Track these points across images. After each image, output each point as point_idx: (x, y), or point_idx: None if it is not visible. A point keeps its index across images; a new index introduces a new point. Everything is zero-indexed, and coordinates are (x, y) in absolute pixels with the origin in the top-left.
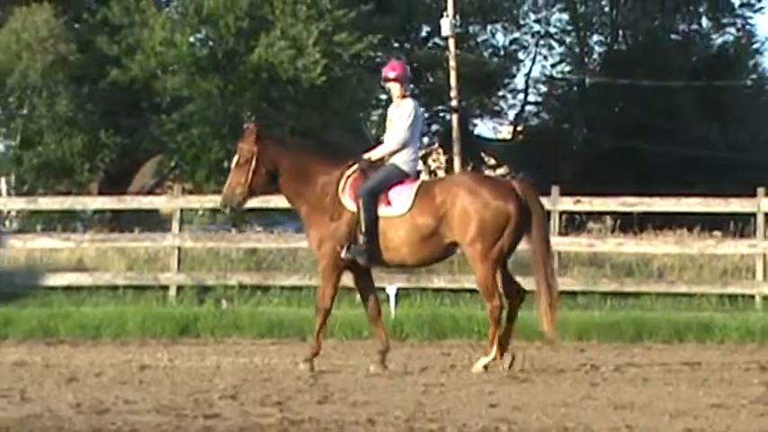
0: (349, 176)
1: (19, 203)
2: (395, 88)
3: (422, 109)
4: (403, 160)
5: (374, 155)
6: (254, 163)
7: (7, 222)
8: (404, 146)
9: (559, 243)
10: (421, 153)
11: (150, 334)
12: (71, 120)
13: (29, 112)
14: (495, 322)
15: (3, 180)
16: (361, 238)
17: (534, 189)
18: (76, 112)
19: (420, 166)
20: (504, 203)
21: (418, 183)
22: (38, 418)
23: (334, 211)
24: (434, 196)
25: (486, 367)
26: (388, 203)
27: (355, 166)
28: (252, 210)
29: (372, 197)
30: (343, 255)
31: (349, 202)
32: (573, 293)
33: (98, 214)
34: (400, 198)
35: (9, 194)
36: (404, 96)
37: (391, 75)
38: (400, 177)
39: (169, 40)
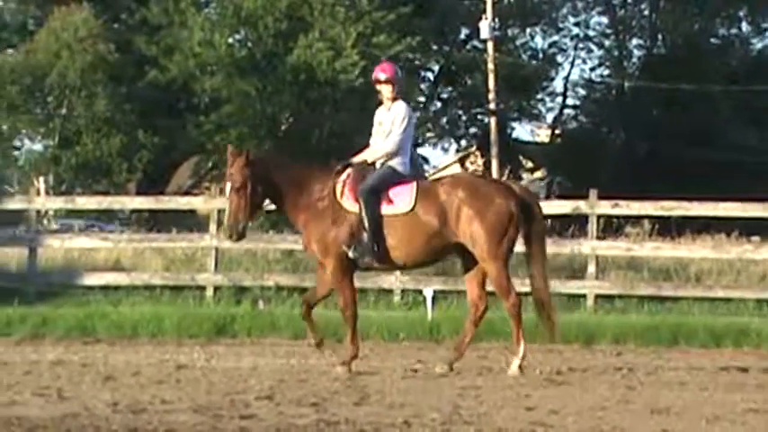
0: (345, 179)
1: (57, 203)
2: (386, 90)
3: (414, 113)
4: (398, 163)
5: (369, 157)
6: (249, 186)
7: (46, 221)
8: (398, 149)
9: (597, 247)
10: (458, 155)
11: (187, 334)
12: (109, 120)
13: (67, 112)
14: (516, 319)
15: (41, 179)
16: (365, 237)
17: (532, 192)
18: (114, 112)
19: (457, 168)
20: (506, 201)
21: (415, 183)
22: (75, 417)
23: (334, 215)
24: (437, 196)
25: (521, 368)
26: (390, 202)
27: (349, 169)
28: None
29: (373, 196)
30: (351, 254)
31: (349, 204)
32: (610, 297)
33: (135, 214)
34: (401, 197)
35: (47, 194)
36: (395, 99)
37: (382, 77)
38: (397, 179)
39: (208, 40)
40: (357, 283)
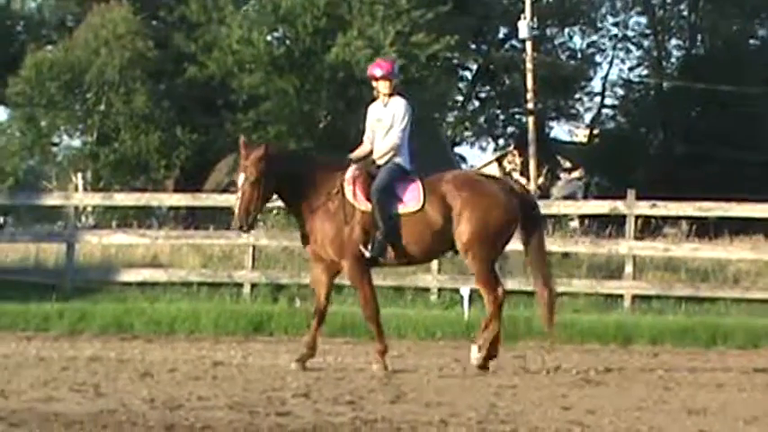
0: (355, 178)
1: (95, 199)
2: (383, 86)
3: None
4: (402, 159)
5: (377, 155)
6: (264, 180)
7: (83, 218)
8: (400, 146)
9: (635, 247)
10: (496, 155)
11: (224, 331)
12: (147, 116)
13: (106, 109)
14: (495, 313)
15: (79, 176)
16: (378, 236)
17: (529, 190)
18: (153, 109)
19: (495, 168)
20: (510, 202)
21: (419, 181)
22: (112, 413)
23: (347, 215)
24: (444, 194)
25: (482, 364)
26: (401, 201)
27: (354, 168)
28: None
29: (386, 194)
30: (367, 254)
31: (362, 204)
32: (647, 298)
33: (173, 211)
34: (410, 195)
35: (85, 190)
36: (391, 95)
37: (378, 73)
38: (404, 175)
39: (246, 38)
40: (393, 282)
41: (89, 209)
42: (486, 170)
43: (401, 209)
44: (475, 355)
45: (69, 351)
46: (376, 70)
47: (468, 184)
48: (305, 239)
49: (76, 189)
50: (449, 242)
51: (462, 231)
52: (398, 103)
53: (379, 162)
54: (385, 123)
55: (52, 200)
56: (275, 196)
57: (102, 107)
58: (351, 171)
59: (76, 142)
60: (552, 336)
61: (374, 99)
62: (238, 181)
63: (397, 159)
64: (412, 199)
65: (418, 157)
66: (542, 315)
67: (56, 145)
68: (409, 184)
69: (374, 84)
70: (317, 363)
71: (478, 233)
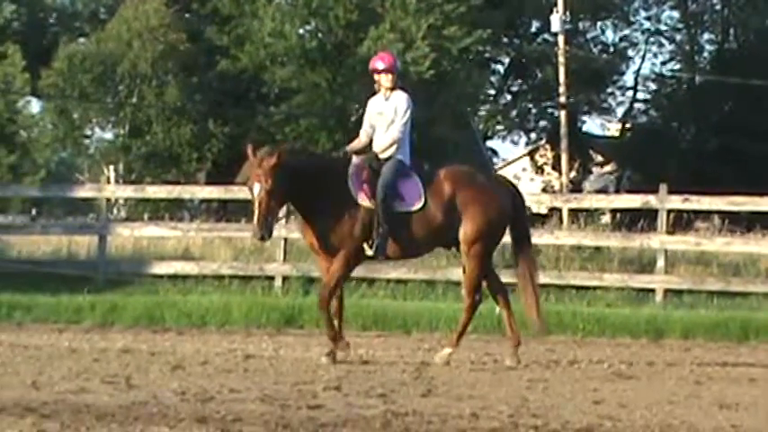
0: (357, 174)
1: (127, 191)
2: (385, 80)
3: (412, 104)
4: (403, 154)
5: (379, 149)
6: (279, 188)
7: (115, 210)
8: (402, 140)
9: (666, 241)
10: (528, 149)
11: (255, 324)
12: (180, 109)
13: (138, 101)
14: (469, 316)
15: (111, 168)
16: (381, 234)
17: (514, 183)
18: (185, 102)
19: (527, 161)
20: (507, 201)
21: (419, 178)
22: (143, 405)
23: (351, 211)
24: (445, 192)
25: (448, 362)
26: (402, 199)
27: (356, 163)
28: None
29: (390, 193)
30: (369, 252)
31: (364, 201)
32: (679, 292)
33: (205, 204)
34: (413, 193)
35: (117, 182)
36: (393, 89)
37: (380, 66)
38: (406, 171)
39: (278, 31)
40: (425, 276)
41: (121, 201)
42: (518, 164)
43: (404, 207)
44: (445, 354)
45: (101, 343)
46: (378, 63)
47: (467, 181)
48: (308, 235)
49: (108, 181)
50: (447, 238)
51: (468, 229)
52: (400, 98)
53: (382, 156)
54: (386, 117)
55: (84, 192)
56: None
57: (135, 99)
58: (353, 166)
59: (108, 134)
60: (540, 327)
61: (374, 93)
62: (253, 190)
63: (399, 155)
64: (414, 197)
65: (451, 152)
66: (527, 306)
67: (88, 137)
68: (410, 182)
69: (376, 77)
70: (350, 356)
71: (482, 230)
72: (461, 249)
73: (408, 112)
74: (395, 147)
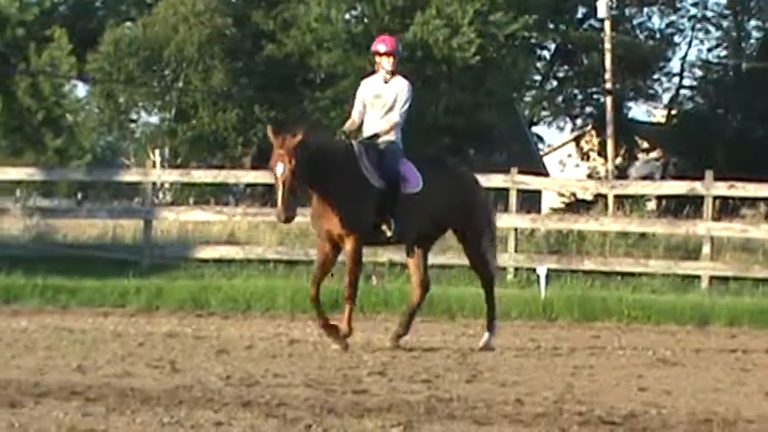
0: (366, 154)
1: (172, 176)
2: (386, 62)
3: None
4: (399, 138)
5: (382, 131)
6: (303, 168)
7: (160, 194)
8: (401, 126)
9: (712, 228)
10: (573, 135)
11: (300, 308)
12: (225, 94)
13: (184, 85)
14: (492, 294)
15: (157, 152)
16: (397, 214)
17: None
18: (231, 86)
19: (572, 147)
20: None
21: (411, 162)
22: (188, 389)
23: (364, 193)
24: (440, 178)
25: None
26: (407, 181)
27: (359, 144)
28: None
29: (399, 175)
30: (389, 233)
31: (375, 180)
32: (725, 279)
33: (250, 188)
34: (412, 176)
35: (163, 167)
36: (394, 72)
37: (382, 48)
38: (403, 155)
39: (325, 16)
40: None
41: (166, 185)
42: (564, 150)
43: (409, 189)
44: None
45: (146, 327)
46: (380, 46)
47: (458, 170)
48: (316, 219)
49: (154, 165)
50: (437, 223)
51: (475, 217)
52: (402, 83)
53: (385, 138)
54: (385, 100)
55: (130, 176)
56: None
57: (181, 84)
58: (358, 147)
59: (154, 119)
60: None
61: (371, 73)
62: (277, 170)
63: (396, 139)
64: (414, 179)
65: (497, 138)
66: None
67: (134, 121)
68: (408, 165)
69: (377, 59)
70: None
71: (485, 218)
72: (468, 236)
73: (409, 102)
74: (394, 131)
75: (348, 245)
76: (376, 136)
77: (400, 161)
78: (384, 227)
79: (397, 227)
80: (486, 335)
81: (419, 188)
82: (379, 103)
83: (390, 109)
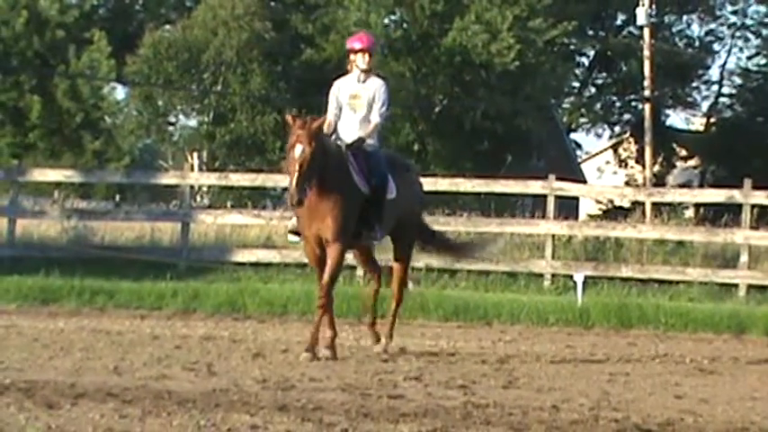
0: (354, 158)
1: (210, 179)
2: (361, 60)
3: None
4: (377, 140)
5: (365, 134)
6: (319, 153)
7: (198, 198)
8: (380, 128)
9: (750, 236)
10: (612, 142)
11: (336, 313)
12: (264, 97)
13: (222, 89)
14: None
15: (195, 155)
16: (380, 219)
17: None
18: (269, 90)
19: (610, 155)
20: None
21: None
22: (224, 392)
23: (353, 197)
24: (405, 181)
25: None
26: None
27: (344, 148)
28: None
29: (387, 182)
30: (378, 240)
31: (362, 185)
32: (763, 287)
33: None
34: (389, 182)
35: (201, 170)
36: (369, 71)
37: (357, 46)
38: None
39: (364, 20)
40: (507, 267)
41: (204, 188)
42: (602, 157)
43: (389, 196)
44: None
45: (182, 330)
46: (355, 43)
47: (410, 168)
48: (305, 219)
49: (192, 168)
50: (397, 225)
51: (422, 220)
52: (378, 83)
53: (369, 143)
54: (363, 101)
55: (168, 179)
56: None
57: (219, 87)
58: (346, 152)
59: (193, 122)
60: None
61: (343, 74)
62: (295, 152)
63: (375, 142)
64: (391, 185)
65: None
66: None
67: (172, 124)
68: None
69: (351, 57)
70: (429, 346)
71: (422, 217)
72: (399, 238)
73: (388, 104)
74: (376, 133)
75: (334, 251)
76: (361, 140)
77: (384, 167)
78: (365, 233)
79: (380, 234)
80: (384, 341)
81: (395, 194)
82: (357, 104)
83: (369, 110)
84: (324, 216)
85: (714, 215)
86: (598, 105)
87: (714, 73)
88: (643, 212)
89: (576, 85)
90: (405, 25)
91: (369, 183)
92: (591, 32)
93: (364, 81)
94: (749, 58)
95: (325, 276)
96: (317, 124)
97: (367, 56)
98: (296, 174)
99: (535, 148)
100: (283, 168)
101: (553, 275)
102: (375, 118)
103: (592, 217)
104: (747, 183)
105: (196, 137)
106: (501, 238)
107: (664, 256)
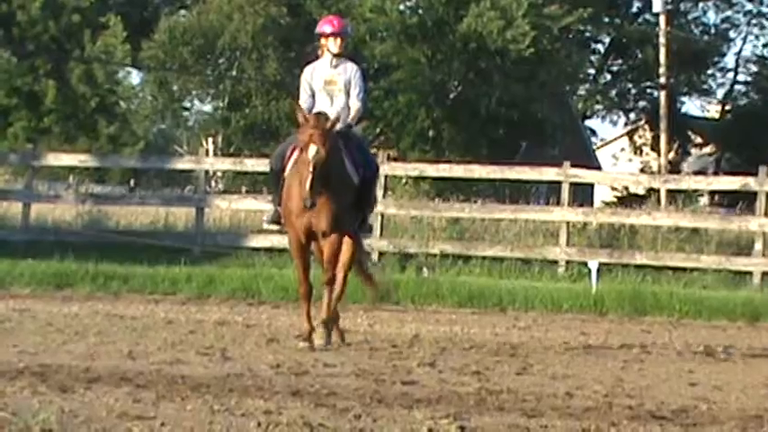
0: (343, 148)
1: (225, 164)
2: (333, 44)
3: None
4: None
5: (352, 120)
6: (334, 152)
7: (213, 183)
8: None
9: (765, 224)
10: (627, 129)
11: (351, 299)
12: (279, 83)
13: (237, 74)
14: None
15: (210, 140)
16: (369, 209)
17: None
18: (284, 76)
19: (626, 142)
20: None
21: None
22: (238, 377)
23: (348, 187)
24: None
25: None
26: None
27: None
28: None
29: (377, 171)
30: (367, 232)
31: (354, 176)
32: None
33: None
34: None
35: (216, 155)
36: (341, 55)
37: (328, 29)
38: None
39: (379, 6)
40: (521, 254)
41: (219, 174)
42: (617, 144)
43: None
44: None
45: (197, 315)
46: (326, 27)
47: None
48: (323, 217)
49: (207, 154)
50: None
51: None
52: (353, 68)
53: (355, 130)
54: (339, 86)
55: (183, 164)
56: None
57: (234, 73)
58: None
59: (208, 107)
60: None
61: (314, 59)
62: (309, 153)
63: (357, 131)
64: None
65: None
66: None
67: (187, 109)
68: None
69: (323, 41)
70: (444, 332)
71: None
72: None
73: (365, 89)
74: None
75: (334, 243)
76: (349, 127)
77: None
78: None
79: (369, 225)
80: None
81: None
82: (332, 90)
83: (346, 95)
84: (319, 208)
85: (729, 202)
86: (613, 92)
87: (730, 60)
88: (658, 199)
89: (592, 71)
90: (420, 11)
91: (358, 172)
92: (606, 19)
93: (336, 66)
94: (765, 45)
95: (327, 262)
96: (331, 123)
97: (339, 39)
98: (310, 176)
99: (550, 134)
100: (278, 160)
101: (567, 262)
102: (355, 104)
103: (607, 204)
104: (762, 170)
105: (211, 122)
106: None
107: (678, 244)
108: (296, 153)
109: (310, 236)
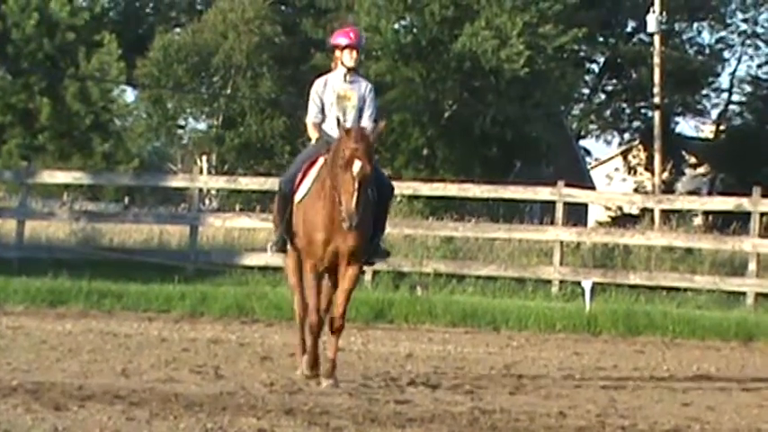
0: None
1: (219, 182)
2: (347, 57)
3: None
4: None
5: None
6: (375, 173)
7: (207, 201)
8: None
9: (759, 245)
10: (621, 149)
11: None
12: (273, 101)
13: (232, 92)
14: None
15: (204, 158)
16: (382, 230)
17: None
18: (279, 94)
19: (620, 161)
20: None
21: None
22: (231, 396)
23: (370, 207)
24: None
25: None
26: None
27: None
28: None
29: (391, 189)
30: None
31: (372, 196)
32: None
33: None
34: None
35: (210, 173)
36: (355, 69)
37: (343, 42)
38: None
39: (374, 25)
40: (515, 273)
41: (213, 192)
42: (611, 164)
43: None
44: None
45: (190, 333)
46: (341, 38)
47: None
48: (329, 233)
49: (201, 172)
50: None
51: None
52: (368, 86)
53: None
54: (353, 102)
55: (177, 182)
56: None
57: (229, 91)
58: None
59: (202, 125)
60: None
61: (326, 72)
62: (353, 169)
63: None
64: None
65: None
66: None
67: (182, 127)
68: None
69: (337, 54)
70: (437, 351)
71: None
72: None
73: (376, 107)
74: None
75: (356, 271)
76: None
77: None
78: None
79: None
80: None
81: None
82: (345, 105)
83: (359, 113)
84: (346, 233)
85: (723, 223)
86: (608, 112)
87: (724, 81)
88: (652, 219)
89: (586, 91)
90: (415, 30)
91: (372, 192)
92: (601, 39)
93: (351, 81)
94: (759, 66)
95: (342, 298)
96: (376, 134)
97: (354, 52)
98: (355, 194)
99: (544, 154)
100: (287, 184)
101: (561, 282)
102: (367, 124)
103: (600, 224)
104: (756, 191)
105: (205, 140)
106: None
107: (672, 264)
108: (311, 172)
109: (332, 265)
